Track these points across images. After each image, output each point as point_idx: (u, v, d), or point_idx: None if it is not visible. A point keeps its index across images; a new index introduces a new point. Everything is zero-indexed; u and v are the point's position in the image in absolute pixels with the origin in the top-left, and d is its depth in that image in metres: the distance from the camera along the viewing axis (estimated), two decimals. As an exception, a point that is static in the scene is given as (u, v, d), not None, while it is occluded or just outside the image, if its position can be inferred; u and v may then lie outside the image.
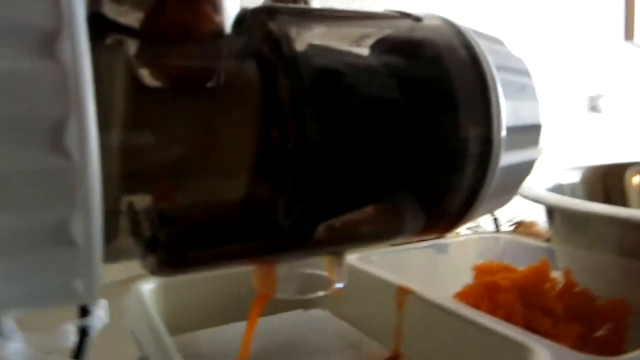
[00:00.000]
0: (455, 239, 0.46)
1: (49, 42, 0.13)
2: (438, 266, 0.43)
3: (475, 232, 0.83)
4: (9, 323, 0.23)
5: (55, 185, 0.13)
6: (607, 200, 0.51)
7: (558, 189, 0.46)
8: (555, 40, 1.38)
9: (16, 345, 0.23)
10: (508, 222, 0.85)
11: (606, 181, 0.53)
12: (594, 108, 1.50)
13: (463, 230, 0.83)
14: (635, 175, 0.53)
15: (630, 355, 0.22)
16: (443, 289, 0.35)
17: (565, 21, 1.42)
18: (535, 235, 0.70)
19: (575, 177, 0.52)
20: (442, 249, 0.44)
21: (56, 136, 0.13)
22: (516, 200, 0.45)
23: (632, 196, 0.52)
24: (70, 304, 0.17)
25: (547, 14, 1.36)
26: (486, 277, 0.31)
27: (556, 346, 0.22)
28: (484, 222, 0.84)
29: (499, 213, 0.80)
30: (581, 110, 1.49)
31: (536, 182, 0.45)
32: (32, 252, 0.14)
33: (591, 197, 0.50)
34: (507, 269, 0.33)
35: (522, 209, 0.66)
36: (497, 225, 0.79)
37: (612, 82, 1.58)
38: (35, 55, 0.13)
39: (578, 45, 1.46)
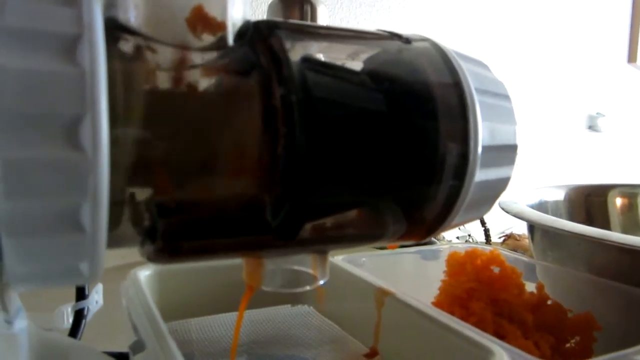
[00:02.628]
0: (444, 247, 0.47)
1: (70, 48, 0.15)
2: (426, 272, 0.44)
3: (467, 242, 0.85)
4: (17, 302, 0.24)
5: (69, 175, 0.15)
6: (589, 219, 0.53)
7: (541, 206, 0.47)
8: (559, 59, 1.40)
9: (23, 322, 0.24)
10: (499, 234, 0.87)
11: (589, 201, 0.55)
12: (592, 127, 1.52)
13: (454, 239, 0.85)
14: (617, 197, 0.54)
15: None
16: (428, 294, 0.37)
17: (571, 41, 1.43)
18: (522, 248, 0.72)
19: (559, 195, 0.53)
20: (431, 256, 0.46)
21: (72, 132, 0.15)
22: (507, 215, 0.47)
23: (613, 217, 0.54)
24: (75, 284, 0.19)
25: (554, 33, 1.38)
26: (458, 285, 0.33)
27: (516, 350, 0.24)
28: (476, 232, 0.86)
29: (491, 225, 0.82)
30: (579, 129, 1.50)
31: (521, 198, 0.46)
32: (45, 234, 0.15)
33: (573, 216, 0.52)
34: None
35: (514, 223, 0.68)
36: (487, 237, 0.80)
37: (612, 103, 1.59)
38: (58, 60, 0.14)
39: (581, 65, 1.48)
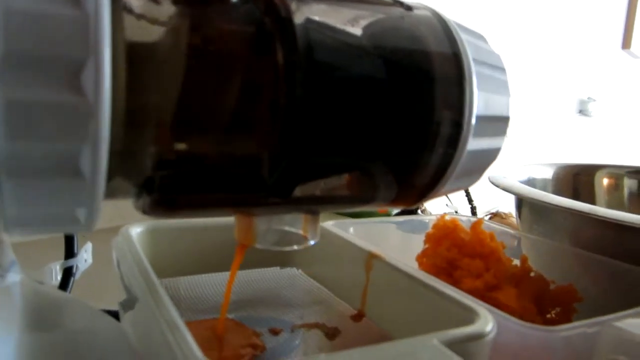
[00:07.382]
0: (431, 218, 0.48)
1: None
2: (412, 242, 0.45)
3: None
4: (10, 256, 0.25)
5: (70, 119, 0.15)
6: (575, 197, 0.54)
7: (530, 182, 0.48)
8: (553, 42, 1.40)
9: (16, 276, 0.24)
10: (486, 212, 0.87)
11: (577, 179, 0.56)
12: (582, 111, 1.53)
13: (440, 213, 0.86)
14: (604, 177, 0.55)
15: (563, 326, 0.24)
16: (413, 263, 0.37)
17: (566, 25, 1.43)
18: (508, 226, 0.73)
19: (548, 173, 0.54)
20: (418, 227, 0.46)
21: (75, 76, 0.15)
22: (495, 192, 0.47)
23: (599, 196, 0.55)
24: (71, 231, 0.19)
25: (550, 17, 1.37)
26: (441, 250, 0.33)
27: (500, 312, 0.25)
28: (463, 209, 0.86)
29: (478, 203, 0.82)
30: (570, 113, 1.51)
31: (510, 174, 0.47)
32: (44, 178, 0.15)
33: (560, 193, 0.53)
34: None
35: (500, 201, 0.69)
36: (474, 214, 0.81)
37: (604, 88, 1.60)
38: (63, 2, 0.14)
39: (575, 49, 1.48)
